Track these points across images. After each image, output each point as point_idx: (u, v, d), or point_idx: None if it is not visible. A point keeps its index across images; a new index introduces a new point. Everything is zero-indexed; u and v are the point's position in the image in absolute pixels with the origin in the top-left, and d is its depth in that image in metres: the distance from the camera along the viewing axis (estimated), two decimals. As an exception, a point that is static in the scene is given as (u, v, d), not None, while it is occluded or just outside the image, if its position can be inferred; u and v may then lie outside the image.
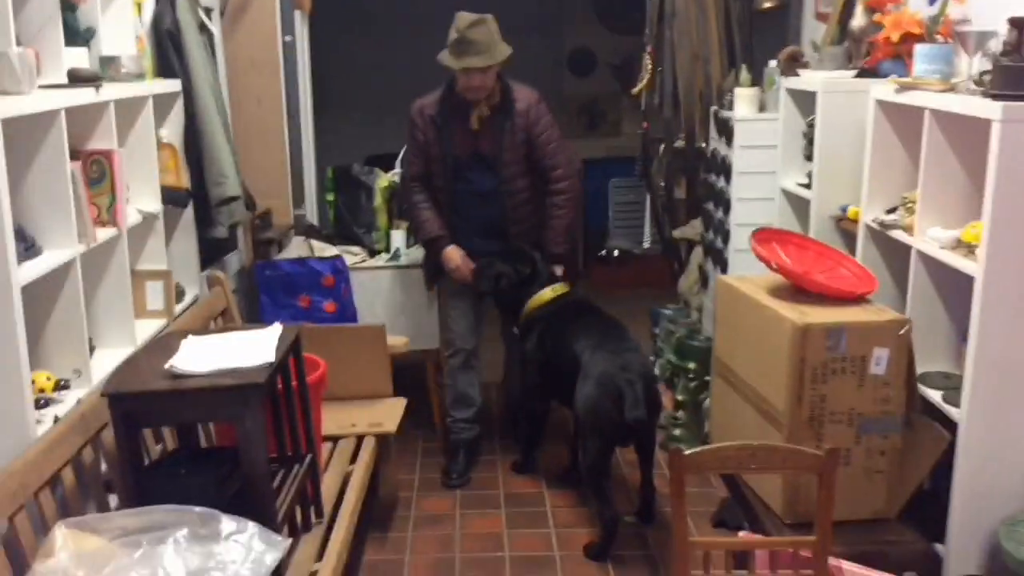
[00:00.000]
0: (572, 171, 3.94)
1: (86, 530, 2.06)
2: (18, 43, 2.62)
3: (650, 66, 4.80)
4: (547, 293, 3.81)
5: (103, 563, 1.95)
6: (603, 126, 7.79)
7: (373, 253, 4.51)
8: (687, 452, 2.24)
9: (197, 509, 2.06)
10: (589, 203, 7.65)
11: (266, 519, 2.26)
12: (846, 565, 2.48)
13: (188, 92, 3.71)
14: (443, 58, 3.67)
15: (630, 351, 3.50)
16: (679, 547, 2.27)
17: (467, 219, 3.91)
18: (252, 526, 2.06)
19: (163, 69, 3.67)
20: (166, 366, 2.40)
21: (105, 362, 2.92)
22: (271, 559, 2.02)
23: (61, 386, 2.69)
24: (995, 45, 2.79)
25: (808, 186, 3.70)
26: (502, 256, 3.86)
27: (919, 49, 2.90)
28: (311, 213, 5.14)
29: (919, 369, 2.90)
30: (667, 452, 2.48)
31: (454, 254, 3.91)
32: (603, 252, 7.33)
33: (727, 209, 4.24)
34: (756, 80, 4.27)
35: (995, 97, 2.44)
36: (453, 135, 3.82)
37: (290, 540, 2.19)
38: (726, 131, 4.25)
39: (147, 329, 3.26)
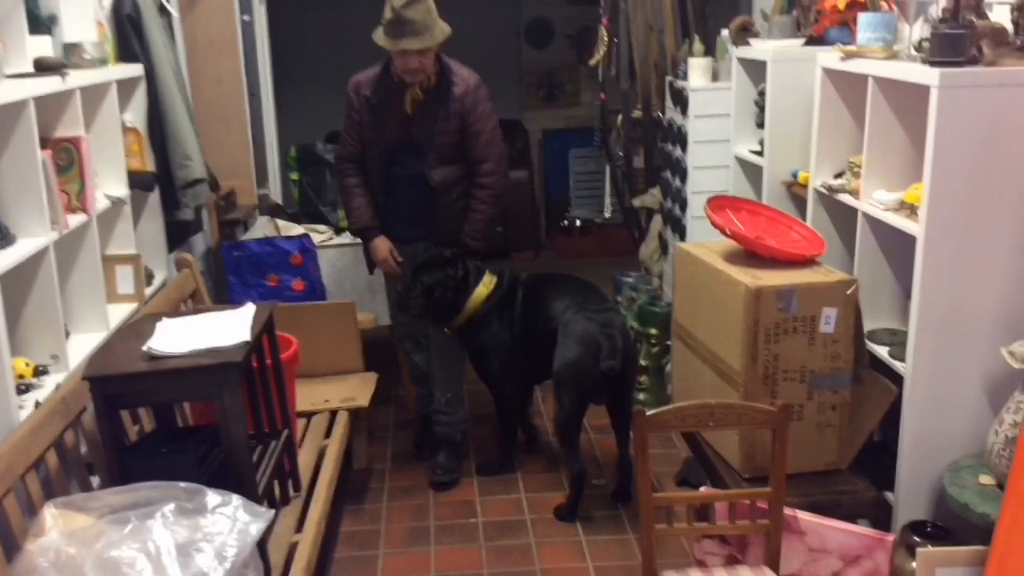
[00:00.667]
0: (500, 167, 3.71)
1: (74, 509, 2.13)
2: (-18, 33, 2.66)
3: (606, 38, 4.88)
4: (483, 290, 3.68)
5: (94, 539, 2.02)
6: (562, 97, 7.85)
7: (339, 231, 4.57)
8: (649, 412, 2.36)
9: (182, 484, 2.14)
10: (550, 174, 7.77)
11: (247, 494, 2.34)
12: (801, 514, 2.62)
13: (150, 76, 3.74)
14: (377, 38, 3.46)
15: (609, 311, 3.60)
16: (644, 503, 2.39)
17: (399, 204, 3.75)
18: (236, 499, 2.15)
19: (125, 54, 3.69)
20: (144, 348, 2.46)
21: (80, 347, 2.99)
22: (256, 529, 2.11)
23: (40, 371, 2.76)
24: (936, 11, 2.91)
25: (760, 153, 3.82)
26: (425, 267, 3.66)
27: (862, 18, 3.01)
28: (275, 192, 5.19)
29: (867, 326, 3.04)
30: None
31: (382, 246, 3.76)
32: (565, 222, 7.43)
33: (684, 177, 4.35)
34: (709, 50, 4.37)
35: (933, 64, 2.56)
36: (387, 118, 3.63)
37: (273, 511, 2.28)
38: (681, 101, 4.35)
39: (119, 313, 3.32)
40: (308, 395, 3.65)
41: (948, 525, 2.70)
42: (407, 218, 3.75)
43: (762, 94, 3.80)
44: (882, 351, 2.95)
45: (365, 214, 3.76)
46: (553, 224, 7.63)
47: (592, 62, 4.98)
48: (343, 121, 3.78)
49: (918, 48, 2.75)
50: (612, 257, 6.40)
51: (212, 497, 2.12)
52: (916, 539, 2.66)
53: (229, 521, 2.09)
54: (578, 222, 7.38)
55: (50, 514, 2.10)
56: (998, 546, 2.19)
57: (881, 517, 2.90)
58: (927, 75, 2.54)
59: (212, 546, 2.02)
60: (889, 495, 2.89)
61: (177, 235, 4.16)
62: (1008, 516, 2.18)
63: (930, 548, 2.51)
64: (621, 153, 5.17)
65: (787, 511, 2.60)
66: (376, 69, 3.68)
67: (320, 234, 4.49)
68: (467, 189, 3.69)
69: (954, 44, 2.53)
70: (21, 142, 2.67)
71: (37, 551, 2.01)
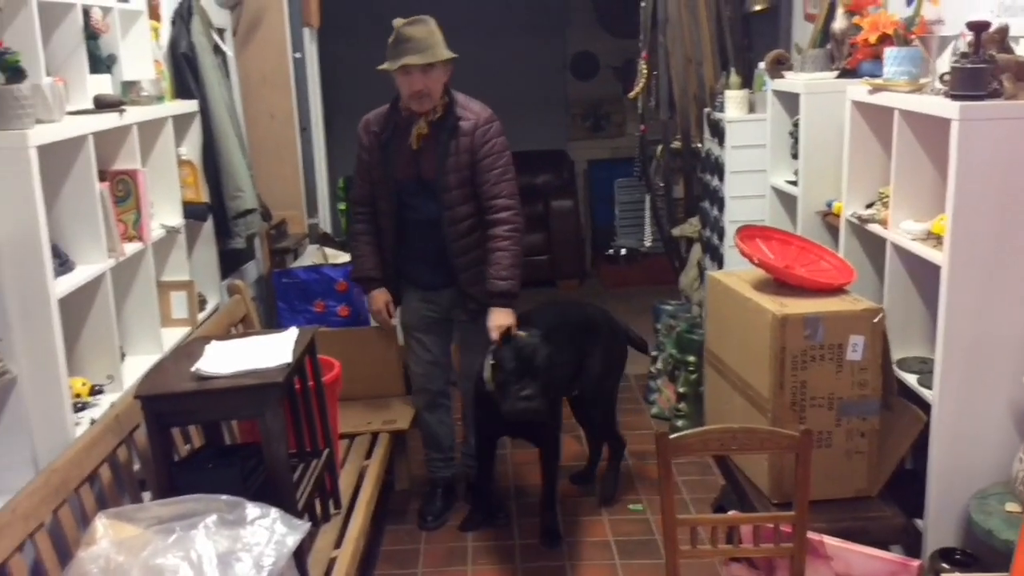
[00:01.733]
0: (516, 203, 3.51)
1: (124, 520, 2.26)
2: (47, 73, 2.84)
3: (645, 71, 4.98)
4: None
5: (140, 548, 2.15)
6: (607, 127, 7.97)
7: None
8: (672, 436, 2.42)
9: (224, 497, 2.26)
10: (595, 203, 7.89)
11: (287, 508, 2.45)
12: (827, 539, 2.65)
13: (205, 111, 3.92)
14: (382, 66, 3.38)
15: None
16: (667, 525, 2.45)
17: (416, 250, 3.60)
18: (275, 511, 2.26)
19: (181, 90, 3.88)
20: (192, 369, 2.60)
21: (135, 368, 3.12)
22: (292, 541, 2.22)
23: (96, 391, 2.90)
24: (962, 46, 2.96)
25: (796, 183, 3.87)
26: (532, 360, 3.30)
27: (888, 52, 3.06)
28: (324, 222, 5.35)
29: (898, 355, 3.07)
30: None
31: (379, 298, 3.67)
32: (610, 251, 7.51)
33: (721, 207, 4.41)
34: (748, 82, 4.44)
35: (954, 97, 2.61)
36: (396, 155, 3.50)
37: (310, 524, 2.39)
38: (718, 132, 4.43)
39: (173, 337, 3.47)
40: (351, 417, 3.77)
41: (977, 552, 2.71)
42: (428, 263, 3.59)
43: (796, 125, 3.86)
44: (911, 379, 2.97)
45: (367, 264, 3.66)
46: (599, 253, 7.72)
47: (631, 95, 5.08)
48: (355, 163, 3.69)
49: (942, 82, 2.80)
50: (656, 286, 6.45)
51: (251, 510, 2.24)
52: (944, 566, 2.67)
53: (267, 532, 2.20)
54: (623, 251, 7.46)
55: (101, 524, 2.24)
56: (1016, 570, 2.21)
57: (912, 544, 2.92)
58: (948, 108, 2.59)
59: (251, 556, 2.14)
60: (920, 522, 2.90)
61: (231, 263, 4.32)
62: (1027, 541, 2.20)
63: (954, 575, 2.52)
64: (661, 183, 5.25)
65: (813, 536, 2.64)
66: (385, 107, 3.58)
67: (366, 262, 4.63)
68: (484, 230, 3.51)
69: (975, 78, 2.58)
70: (80, 175, 2.83)
71: (88, 559, 2.14)
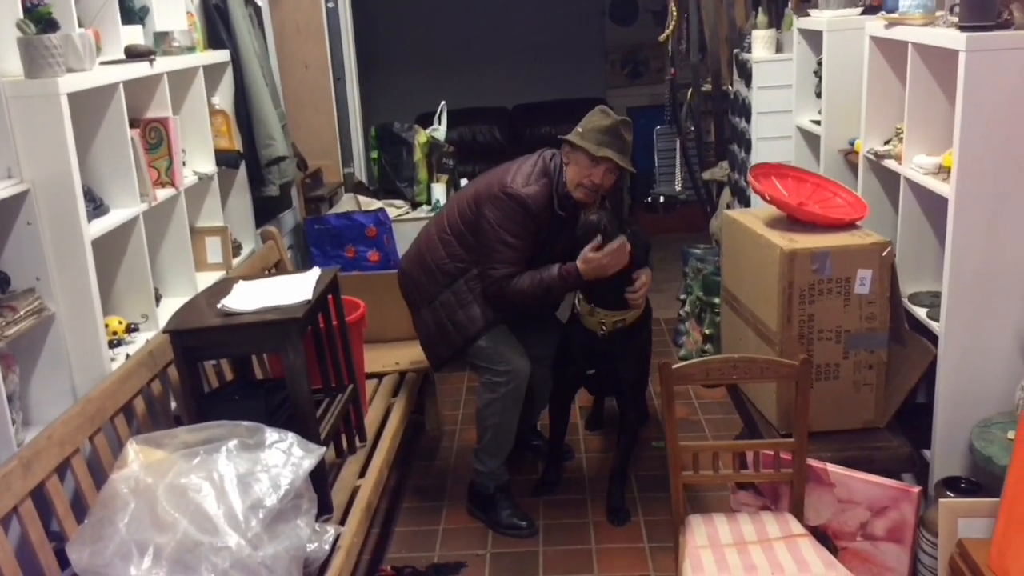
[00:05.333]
0: None
1: (153, 445, 2.40)
2: (80, 25, 2.96)
3: (675, 13, 4.97)
4: None
5: (167, 470, 2.29)
6: (646, 74, 7.93)
7: (415, 205, 4.81)
8: (675, 366, 2.50)
9: (246, 423, 2.39)
10: (635, 151, 7.86)
11: (310, 438, 2.58)
12: (831, 467, 2.72)
13: (236, 62, 4.03)
14: (575, 138, 3.26)
15: None
16: (671, 451, 2.54)
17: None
18: (292, 436, 2.39)
19: (213, 41, 3.99)
20: (218, 306, 2.74)
21: (170, 308, 3.24)
22: (308, 463, 2.35)
23: (132, 329, 3.07)
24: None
25: (820, 123, 3.87)
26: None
27: (903, -15, 3.05)
28: (359, 170, 5.47)
29: (911, 289, 3.10)
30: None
31: (591, 257, 3.18)
32: (648, 199, 7.52)
33: (749, 149, 4.43)
34: (777, 22, 4.42)
35: (962, 28, 2.60)
36: (559, 239, 3.35)
37: (325, 448, 2.52)
38: (746, 73, 4.42)
39: (208, 280, 3.60)
40: (379, 358, 3.89)
41: (982, 481, 2.75)
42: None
43: (821, 64, 3.85)
44: (921, 312, 3.00)
45: (549, 269, 3.25)
46: (638, 201, 7.73)
47: (661, 38, 5.08)
48: (505, 238, 3.23)
49: (952, 13, 2.79)
50: (694, 232, 6.47)
51: (270, 434, 2.37)
52: (949, 494, 2.72)
53: (284, 455, 2.33)
54: (661, 198, 7.46)
55: (132, 449, 2.38)
56: (1008, 491, 2.25)
57: (922, 474, 2.97)
58: (955, 39, 2.59)
59: (268, 476, 2.27)
60: (927, 453, 2.95)
61: (269, 211, 4.46)
62: (1018, 461, 2.24)
63: (952, 499, 2.57)
64: (692, 127, 5.26)
65: (816, 464, 2.71)
66: (538, 187, 3.28)
67: (397, 208, 4.74)
68: None
69: (983, 8, 2.57)
70: (112, 122, 2.96)
71: (119, 480, 2.29)
